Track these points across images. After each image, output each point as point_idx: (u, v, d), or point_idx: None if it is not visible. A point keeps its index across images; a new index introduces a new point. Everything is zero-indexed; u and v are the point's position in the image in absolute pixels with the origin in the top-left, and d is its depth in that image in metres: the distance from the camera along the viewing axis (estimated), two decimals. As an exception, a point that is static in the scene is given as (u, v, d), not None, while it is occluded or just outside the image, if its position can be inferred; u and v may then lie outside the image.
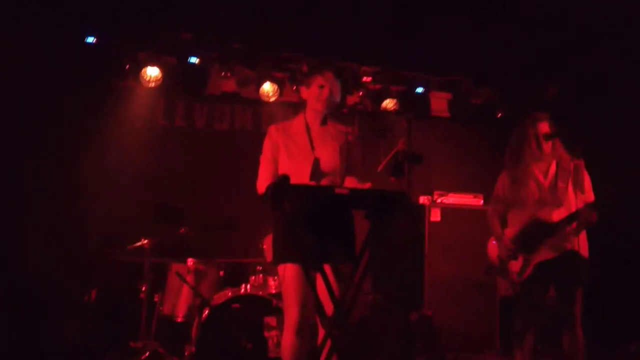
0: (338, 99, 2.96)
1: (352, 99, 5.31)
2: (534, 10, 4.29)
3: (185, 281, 3.80)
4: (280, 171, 2.84)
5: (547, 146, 3.25)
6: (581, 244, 3.17)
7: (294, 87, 4.94)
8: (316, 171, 2.81)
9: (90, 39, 4.51)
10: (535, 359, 3.25)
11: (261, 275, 4.10)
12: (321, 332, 2.81)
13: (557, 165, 3.25)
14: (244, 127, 5.32)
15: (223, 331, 3.60)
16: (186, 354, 3.73)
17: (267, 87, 5.01)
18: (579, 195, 3.19)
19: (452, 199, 5.19)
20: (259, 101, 5.11)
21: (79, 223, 4.52)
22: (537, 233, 3.18)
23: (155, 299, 4.10)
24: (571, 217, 3.10)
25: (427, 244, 5.01)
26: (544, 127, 3.26)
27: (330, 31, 4.67)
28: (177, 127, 5.13)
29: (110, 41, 4.56)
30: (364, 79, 5.32)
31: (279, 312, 3.61)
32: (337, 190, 2.51)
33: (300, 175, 2.78)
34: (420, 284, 4.93)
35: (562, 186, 3.19)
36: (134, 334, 4.04)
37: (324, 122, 2.96)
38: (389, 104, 5.32)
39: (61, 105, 4.54)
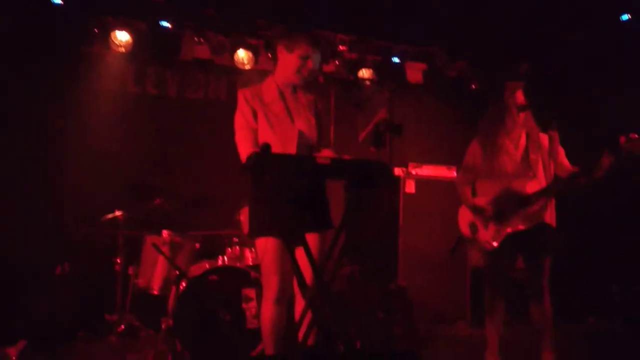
0: (317, 70, 2.91)
1: (327, 68, 5.24)
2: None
3: (161, 252, 3.73)
4: (263, 140, 2.75)
5: (518, 117, 3.26)
6: (551, 214, 3.24)
7: (270, 55, 4.83)
8: (300, 143, 2.77)
9: (57, 1, 4.29)
10: (505, 329, 3.32)
11: (238, 247, 4.06)
12: (299, 305, 2.83)
13: (527, 137, 3.27)
14: (218, 96, 5.19)
15: (200, 303, 3.57)
16: (163, 326, 3.70)
17: (242, 54, 4.90)
18: (552, 166, 3.24)
19: (427, 170, 5.21)
20: (233, 69, 4.99)
21: (50, 196, 4.38)
22: (509, 204, 3.21)
23: (130, 272, 4.04)
24: (545, 190, 3.14)
25: (401, 216, 5.05)
26: (520, 97, 3.28)
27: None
28: (148, 95, 4.97)
29: (78, 3, 4.35)
30: (340, 47, 5.25)
31: (256, 284, 3.60)
32: (319, 161, 2.48)
33: (285, 147, 2.74)
34: (394, 256, 4.98)
35: (533, 158, 3.23)
36: (110, 307, 3.98)
37: (294, 89, 2.91)
38: (365, 73, 5.27)
39: (27, 71, 4.35)
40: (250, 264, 3.92)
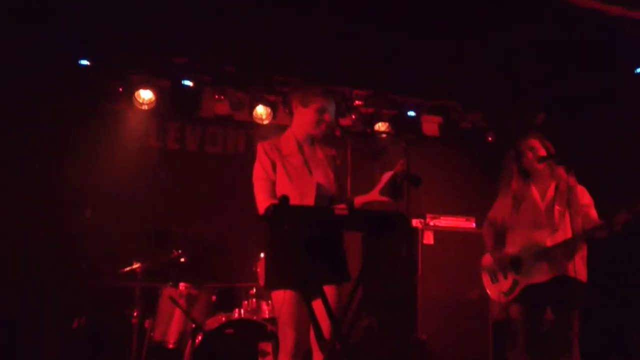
0: (334, 122, 2.94)
1: (344, 122, 5.34)
2: (523, 36, 4.37)
3: (178, 305, 3.72)
4: (282, 192, 2.77)
5: (544, 168, 3.25)
6: (578, 266, 3.15)
7: (287, 110, 4.96)
8: (318, 195, 2.78)
9: (84, 62, 4.51)
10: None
11: (254, 299, 4.03)
12: (316, 358, 2.76)
13: (556, 188, 3.24)
14: (237, 150, 5.31)
15: (216, 357, 3.52)
16: (178, 381, 3.64)
17: (260, 110, 5.03)
18: (573, 216, 3.18)
19: (444, 221, 5.20)
20: (251, 124, 5.11)
21: (69, 248, 4.43)
22: (529, 255, 3.17)
23: (146, 325, 4.01)
24: (566, 243, 3.09)
25: (420, 267, 4.99)
26: (538, 148, 3.28)
27: (322, 55, 4.71)
28: (169, 150, 5.12)
29: (104, 64, 4.55)
30: (356, 102, 5.37)
31: (273, 338, 3.55)
32: (337, 212, 2.49)
33: (303, 199, 2.75)
34: (413, 307, 4.89)
35: (559, 209, 3.18)
36: (125, 361, 3.94)
37: (312, 142, 2.94)
38: (381, 127, 5.36)
39: (55, 128, 4.50)
40: (267, 317, 3.88)
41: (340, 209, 2.57)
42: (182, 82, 4.80)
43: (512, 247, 3.29)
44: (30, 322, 4.07)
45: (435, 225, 5.14)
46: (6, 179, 4.35)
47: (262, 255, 4.25)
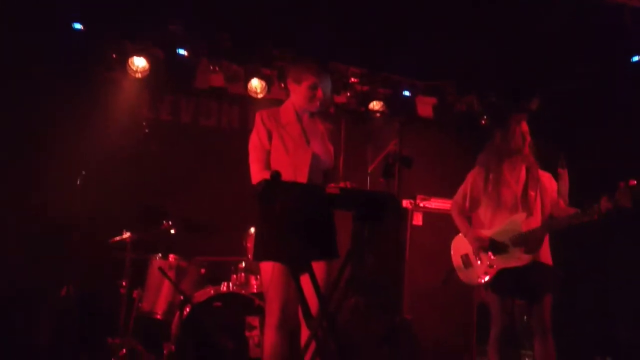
0: (329, 97, 2.94)
1: (339, 99, 5.31)
2: (524, 21, 4.35)
3: (167, 277, 3.74)
4: (276, 163, 2.78)
5: (523, 151, 3.25)
6: (547, 252, 3.20)
7: (282, 85, 4.92)
8: (313, 167, 2.79)
9: (78, 26, 4.42)
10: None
11: (243, 273, 4.06)
12: (304, 334, 2.80)
13: (527, 172, 3.25)
14: (230, 124, 5.27)
15: (204, 330, 3.55)
16: (165, 352, 3.67)
17: (255, 84, 4.98)
18: (544, 201, 3.20)
19: (435, 203, 5.21)
20: (246, 97, 5.07)
21: (58, 217, 4.40)
22: (507, 239, 3.19)
23: (135, 296, 4.03)
24: (541, 228, 3.12)
25: (408, 248, 5.03)
26: (525, 127, 3.26)
27: (319, 32, 4.66)
28: (162, 121, 5.05)
29: (98, 29, 4.47)
30: (352, 79, 5.34)
31: (260, 312, 3.58)
32: (329, 190, 2.49)
33: (297, 170, 2.76)
34: (400, 288, 4.94)
35: (532, 194, 3.21)
36: (113, 331, 3.97)
37: (312, 114, 2.95)
38: (375, 105, 5.34)
39: (45, 92, 4.43)
40: (255, 291, 3.91)
41: (332, 187, 2.58)
42: (177, 51, 4.73)
43: (485, 227, 3.29)
44: (21, 290, 4.08)
45: (425, 206, 5.16)
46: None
47: (252, 230, 4.27)
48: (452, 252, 3.49)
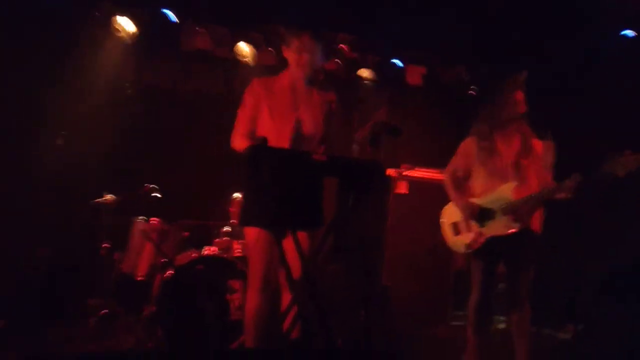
0: (319, 62, 2.89)
1: (328, 66, 5.23)
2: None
3: (151, 239, 3.72)
4: (261, 129, 2.79)
5: (515, 119, 3.22)
6: (538, 221, 3.21)
7: (270, 49, 4.83)
8: (297, 133, 2.77)
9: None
10: (485, 333, 3.30)
11: (226, 237, 4.06)
12: (285, 298, 2.83)
13: (521, 142, 3.24)
14: (216, 88, 5.18)
15: (185, 292, 3.56)
16: (145, 313, 3.68)
17: (242, 47, 4.88)
18: (537, 172, 3.21)
19: (419, 172, 5.22)
20: (232, 61, 4.97)
21: (40, 177, 4.33)
22: (497, 207, 3.19)
23: (115, 257, 4.02)
24: (531, 198, 3.12)
25: (390, 216, 5.05)
26: (520, 96, 3.23)
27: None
28: (146, 83, 4.94)
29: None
30: (340, 46, 5.26)
31: (242, 276, 3.60)
32: (315, 157, 2.48)
33: (280, 135, 2.76)
34: (380, 255, 4.98)
35: (524, 163, 3.20)
36: (92, 292, 3.96)
37: (309, 82, 2.92)
38: (364, 73, 5.29)
39: (26, 51, 4.30)
40: (238, 255, 3.92)
41: (319, 154, 2.56)
42: (162, 11, 4.60)
43: (477, 198, 3.29)
44: (3, 248, 4.03)
45: (409, 175, 5.16)
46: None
47: (235, 195, 4.25)
48: (442, 220, 3.50)
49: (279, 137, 2.76)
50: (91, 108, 4.58)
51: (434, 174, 5.22)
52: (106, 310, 3.93)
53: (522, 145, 3.24)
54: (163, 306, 3.54)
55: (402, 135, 2.92)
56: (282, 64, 3.00)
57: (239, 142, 2.81)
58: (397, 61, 5.47)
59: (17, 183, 4.25)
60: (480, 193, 3.28)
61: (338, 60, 5.23)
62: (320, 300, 2.54)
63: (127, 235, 4.00)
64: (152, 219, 3.96)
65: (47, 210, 4.32)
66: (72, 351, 3.50)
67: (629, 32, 4.74)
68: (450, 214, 3.45)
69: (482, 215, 3.23)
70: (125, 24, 4.54)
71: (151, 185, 4.02)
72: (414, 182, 5.13)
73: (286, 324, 2.53)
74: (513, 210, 3.14)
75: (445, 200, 3.55)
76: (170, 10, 4.63)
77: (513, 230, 3.15)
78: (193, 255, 3.81)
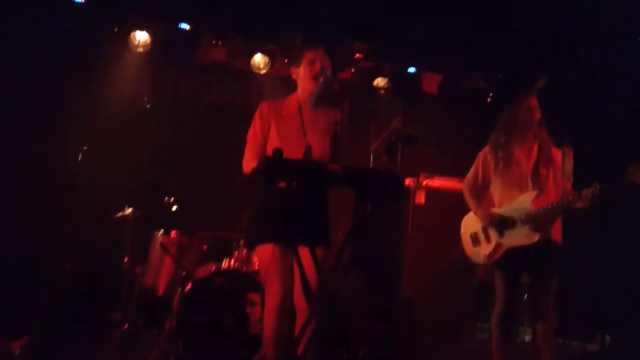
0: (329, 74, 2.89)
1: (343, 75, 5.24)
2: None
3: (169, 253, 3.74)
4: (270, 151, 2.78)
5: (533, 128, 3.19)
6: (555, 230, 3.16)
7: (285, 60, 4.85)
8: (307, 158, 2.76)
9: (79, -1, 4.36)
10: (509, 344, 3.23)
11: (245, 250, 4.06)
12: (299, 320, 2.79)
13: (539, 150, 3.19)
14: (233, 100, 5.22)
15: (205, 306, 3.57)
16: (167, 327, 3.69)
17: (258, 59, 4.92)
18: (557, 180, 3.15)
19: (438, 182, 5.16)
20: (249, 73, 5.01)
21: (62, 192, 4.40)
22: (517, 217, 3.15)
23: (137, 271, 4.05)
24: (552, 207, 3.06)
25: (410, 226, 5.00)
26: (535, 105, 3.20)
27: (325, 7, 4.57)
28: (163, 96, 5.01)
29: (100, 2, 4.41)
30: (356, 55, 5.25)
31: (261, 289, 3.58)
32: (330, 167, 2.47)
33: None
34: (400, 266, 4.93)
35: (543, 172, 3.15)
36: (115, 306, 3.99)
37: (315, 105, 2.91)
38: (380, 82, 5.27)
39: (47, 66, 4.38)
40: (257, 268, 3.90)
41: (334, 165, 2.55)
42: (179, 24, 4.66)
43: (497, 207, 3.25)
44: (23, 265, 4.09)
45: (428, 185, 5.11)
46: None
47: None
48: (462, 230, 3.46)
49: None
50: (111, 122, 4.65)
51: (453, 183, 5.17)
52: (128, 325, 3.96)
53: (541, 154, 3.19)
54: (183, 320, 3.55)
55: (418, 144, 2.90)
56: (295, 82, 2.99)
57: (252, 166, 2.72)
58: (413, 69, 5.44)
59: (40, 199, 4.32)
60: (499, 203, 3.25)
61: (353, 70, 5.23)
62: (340, 313, 2.52)
63: (147, 248, 4.03)
64: (171, 232, 3.99)
65: (69, 226, 4.39)
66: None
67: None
68: (469, 224, 3.41)
69: (502, 225, 3.19)
70: (142, 38, 4.60)
71: (170, 198, 4.05)
72: (434, 192, 5.08)
73: (300, 348, 2.51)
74: (533, 220, 3.10)
75: (465, 209, 3.51)
76: (187, 22, 4.68)
77: (534, 240, 3.10)
78: (212, 268, 3.81)
